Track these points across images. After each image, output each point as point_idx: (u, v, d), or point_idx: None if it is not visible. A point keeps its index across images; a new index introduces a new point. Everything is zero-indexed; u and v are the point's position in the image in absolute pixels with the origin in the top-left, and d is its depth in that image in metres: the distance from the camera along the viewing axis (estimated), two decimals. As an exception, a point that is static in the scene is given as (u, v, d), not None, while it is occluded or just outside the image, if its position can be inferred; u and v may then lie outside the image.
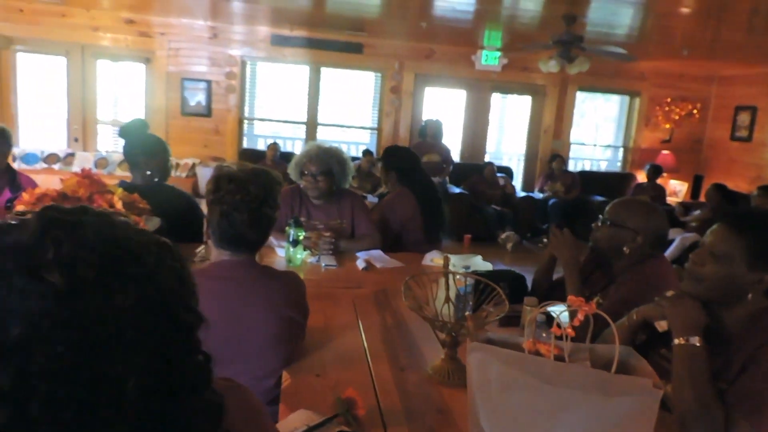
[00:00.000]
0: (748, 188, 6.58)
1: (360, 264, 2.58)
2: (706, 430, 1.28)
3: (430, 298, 1.59)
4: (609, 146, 8.31)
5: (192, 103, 6.87)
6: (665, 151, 7.72)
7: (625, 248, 1.86)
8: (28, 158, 6.42)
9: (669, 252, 5.20)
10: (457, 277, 1.70)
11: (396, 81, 7.19)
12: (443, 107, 7.53)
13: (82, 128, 6.85)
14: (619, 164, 8.19)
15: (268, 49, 6.88)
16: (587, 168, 8.17)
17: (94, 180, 1.96)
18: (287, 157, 6.05)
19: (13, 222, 0.58)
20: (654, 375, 1.04)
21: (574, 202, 6.87)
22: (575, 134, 7.94)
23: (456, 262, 2.40)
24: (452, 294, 1.61)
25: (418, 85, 7.31)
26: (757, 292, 1.38)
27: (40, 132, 6.97)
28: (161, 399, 0.57)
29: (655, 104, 7.71)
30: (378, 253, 2.77)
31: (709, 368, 1.33)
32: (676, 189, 7.75)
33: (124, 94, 7.04)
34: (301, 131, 7.47)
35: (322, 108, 7.34)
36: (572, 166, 7.90)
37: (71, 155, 6.58)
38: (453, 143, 7.26)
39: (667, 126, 7.75)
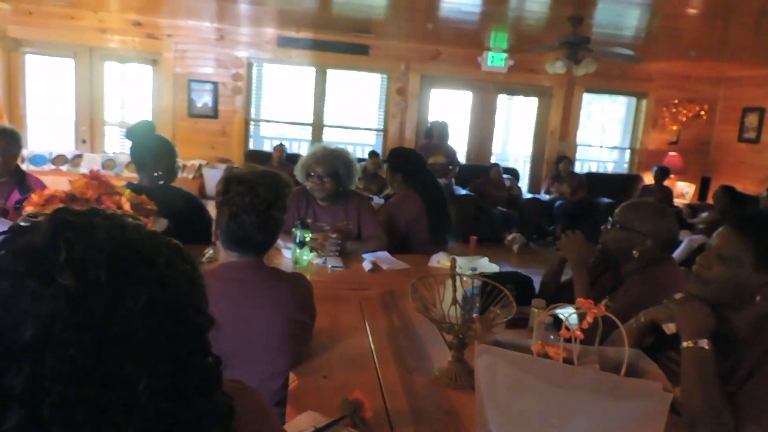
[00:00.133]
0: (756, 190, 6.54)
1: (366, 265, 2.58)
2: (715, 433, 1.27)
3: (437, 300, 1.58)
4: (616, 148, 8.28)
5: (199, 104, 6.90)
6: (672, 153, 7.68)
7: (634, 251, 1.85)
8: (36, 160, 6.46)
9: (676, 254, 5.17)
10: (464, 278, 1.69)
11: (402, 82, 7.19)
12: (449, 109, 7.53)
13: (89, 130, 6.89)
14: (625, 166, 8.16)
15: (275, 50, 6.90)
16: (594, 170, 8.14)
17: (102, 181, 1.97)
18: (293, 158, 6.06)
19: (25, 224, 0.58)
20: (664, 378, 1.04)
21: (581, 203, 6.85)
22: (582, 136, 7.91)
23: (462, 263, 2.39)
24: (459, 296, 1.61)
25: (424, 87, 7.31)
26: (764, 295, 1.37)
27: (48, 133, 7.03)
28: (172, 401, 0.57)
29: (662, 106, 7.67)
30: (384, 254, 2.77)
31: (717, 371, 1.32)
32: (684, 191, 7.71)
33: (131, 95, 7.08)
34: (307, 133, 7.48)
35: (328, 109, 7.35)
36: (579, 168, 7.87)
37: (79, 157, 6.62)
38: (459, 145, 7.26)
39: (675, 127, 7.71)
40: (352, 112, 7.57)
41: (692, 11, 4.42)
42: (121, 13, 6.57)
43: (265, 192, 1.51)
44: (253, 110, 7.23)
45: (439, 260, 2.72)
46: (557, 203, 6.89)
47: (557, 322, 1.59)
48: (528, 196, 7.22)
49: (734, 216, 1.45)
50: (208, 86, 6.88)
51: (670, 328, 1.48)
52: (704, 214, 6.26)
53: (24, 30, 6.45)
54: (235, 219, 1.50)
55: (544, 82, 7.37)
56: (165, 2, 6.01)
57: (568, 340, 1.06)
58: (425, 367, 1.60)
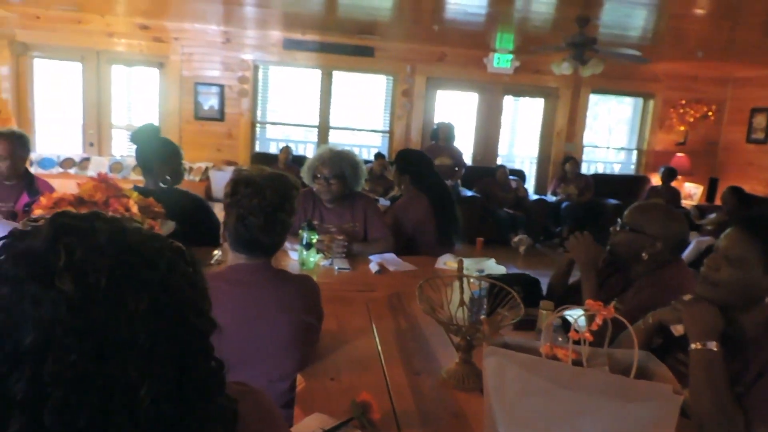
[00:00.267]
0: (764, 191, 6.50)
1: (373, 267, 2.58)
2: (725, 435, 1.26)
3: (445, 302, 1.58)
4: (622, 149, 8.24)
5: (205, 107, 6.93)
6: (680, 154, 7.64)
7: (643, 254, 1.84)
8: (44, 163, 6.50)
9: (684, 255, 5.14)
10: (472, 280, 1.69)
11: (408, 84, 7.19)
12: (455, 110, 7.52)
13: (97, 133, 6.93)
14: (632, 167, 8.12)
15: (281, 53, 6.92)
16: (600, 171, 8.11)
17: (110, 184, 1.98)
18: (299, 160, 6.06)
19: (25, 228, 0.58)
20: (674, 380, 1.03)
21: (588, 205, 6.83)
22: (588, 137, 7.89)
23: (469, 265, 2.39)
24: (467, 297, 1.61)
25: (430, 88, 7.31)
26: (773, 296, 1.36)
27: (56, 137, 7.07)
28: (174, 405, 0.57)
29: (669, 106, 7.64)
30: (391, 256, 2.77)
31: (726, 373, 1.31)
32: (691, 192, 7.67)
33: (138, 98, 7.12)
34: (313, 135, 7.50)
35: (333, 111, 7.36)
36: (585, 169, 7.84)
37: (86, 160, 6.66)
38: (465, 146, 7.25)
39: (682, 128, 7.67)
40: (357, 113, 7.58)
41: (699, 11, 4.40)
42: (128, 17, 6.61)
43: (273, 194, 1.51)
44: (259, 112, 7.25)
45: (446, 262, 2.71)
46: (564, 204, 6.86)
47: (565, 324, 1.59)
48: (534, 197, 7.20)
49: (742, 217, 1.44)
50: (215, 89, 6.90)
51: (678, 329, 1.47)
52: (712, 216, 6.23)
53: (32, 34, 6.50)
54: (243, 221, 1.50)
55: (551, 83, 7.35)
56: (172, 6, 6.04)
57: (577, 342, 1.06)
58: (432, 368, 1.60)
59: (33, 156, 6.29)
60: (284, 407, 1.45)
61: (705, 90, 7.60)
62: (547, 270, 2.37)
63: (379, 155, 6.83)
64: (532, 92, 7.63)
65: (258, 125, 7.29)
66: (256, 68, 7.01)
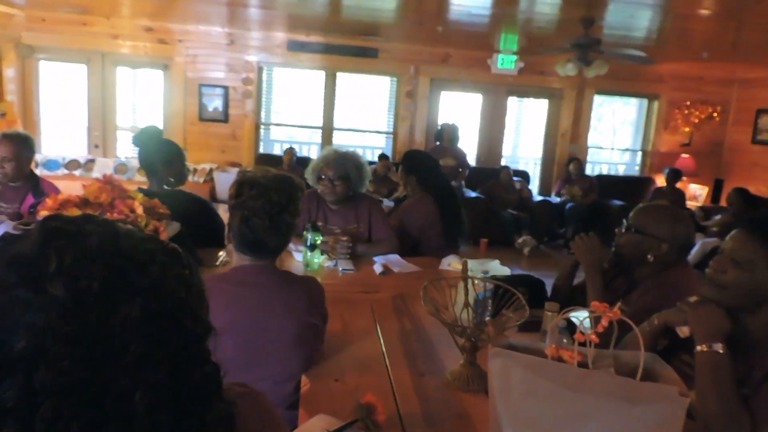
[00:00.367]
0: (770, 192, 6.47)
1: (377, 268, 2.57)
2: (732, 438, 1.25)
3: (449, 303, 1.58)
4: (627, 150, 8.23)
5: (209, 108, 6.95)
6: (685, 155, 7.62)
7: (649, 256, 1.83)
8: (49, 164, 6.53)
9: (690, 257, 5.11)
10: (476, 281, 1.69)
11: (411, 85, 7.19)
12: (459, 111, 7.52)
13: (102, 135, 6.96)
14: (637, 168, 8.10)
15: (285, 54, 6.93)
16: (605, 172, 8.10)
17: (115, 185, 1.98)
18: (303, 161, 6.06)
19: (16, 232, 0.57)
20: (680, 382, 1.03)
21: (592, 206, 6.81)
22: (593, 138, 7.87)
23: (473, 266, 2.38)
24: (471, 299, 1.60)
25: (434, 89, 7.31)
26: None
27: (61, 139, 7.11)
28: (170, 412, 0.56)
29: (674, 107, 7.61)
30: (395, 257, 2.77)
31: (733, 375, 1.30)
32: (696, 193, 7.64)
33: (142, 100, 7.14)
34: (317, 136, 7.51)
35: (337, 113, 7.37)
36: (590, 170, 7.83)
37: (91, 161, 6.69)
38: (469, 147, 7.25)
39: (687, 129, 7.65)
40: (361, 115, 7.59)
41: (704, 12, 4.38)
42: (133, 19, 6.64)
43: (278, 196, 1.51)
44: (263, 114, 7.27)
45: (450, 263, 2.71)
46: (568, 205, 6.85)
47: (570, 326, 1.58)
48: (538, 198, 7.19)
49: (748, 219, 1.43)
50: (219, 90, 6.92)
51: (683, 331, 1.46)
52: (717, 217, 6.21)
53: (38, 37, 6.54)
54: (248, 223, 1.50)
55: (555, 84, 7.34)
56: (176, 8, 6.06)
57: (583, 344, 1.05)
58: (437, 370, 1.59)
59: (38, 158, 6.32)
60: (289, 408, 1.45)
61: (710, 91, 7.57)
62: (551, 271, 2.36)
63: (382, 156, 6.84)
64: (536, 93, 7.62)
65: (262, 126, 7.31)
66: (260, 70, 7.03)
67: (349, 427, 1.23)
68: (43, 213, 1.87)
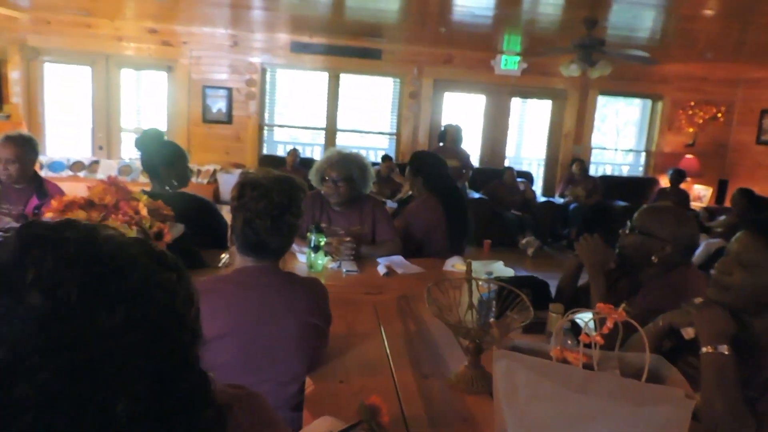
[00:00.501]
0: (774, 193, 6.44)
1: (381, 270, 2.57)
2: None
3: (453, 305, 1.58)
4: (631, 150, 8.21)
5: (213, 110, 6.96)
6: (689, 156, 7.60)
7: (653, 257, 1.82)
8: (54, 166, 6.55)
9: (694, 258, 5.10)
10: (480, 283, 1.68)
11: (415, 86, 7.19)
12: (462, 112, 7.52)
13: (106, 136, 6.98)
14: (641, 169, 8.08)
15: (288, 56, 6.94)
16: (609, 173, 8.08)
17: (120, 187, 1.99)
18: (307, 163, 6.09)
19: None
20: (686, 384, 1.02)
21: (596, 207, 6.80)
22: (596, 138, 7.85)
23: (477, 267, 2.38)
24: (475, 300, 1.60)
25: (437, 91, 7.31)
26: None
27: (65, 140, 7.13)
28: (154, 423, 0.54)
29: (678, 108, 7.59)
30: (399, 258, 2.76)
31: (738, 377, 1.30)
32: (700, 194, 7.62)
33: (147, 102, 7.17)
34: (321, 137, 7.51)
35: (341, 114, 7.38)
36: (593, 171, 7.82)
37: (96, 163, 6.71)
38: (472, 148, 7.24)
39: (691, 130, 7.63)
40: (365, 116, 7.59)
41: (708, 12, 4.37)
42: (137, 21, 6.66)
43: (280, 197, 1.51)
44: (266, 115, 7.28)
45: (454, 264, 2.71)
46: (572, 206, 6.84)
47: (575, 327, 1.58)
48: (542, 199, 7.18)
49: (753, 220, 1.43)
50: (223, 92, 6.94)
51: (688, 332, 1.45)
52: (722, 218, 6.19)
53: (42, 39, 6.56)
54: (250, 224, 1.50)
55: (558, 85, 7.33)
56: (180, 10, 6.08)
57: (588, 345, 1.05)
58: (441, 372, 1.59)
59: (43, 159, 6.34)
60: (293, 410, 1.45)
61: (714, 91, 7.55)
62: (555, 272, 2.35)
63: (386, 157, 6.84)
64: (540, 94, 7.61)
65: (265, 128, 7.32)
66: (263, 71, 7.04)
67: (354, 428, 1.23)
68: (47, 214, 1.88)
